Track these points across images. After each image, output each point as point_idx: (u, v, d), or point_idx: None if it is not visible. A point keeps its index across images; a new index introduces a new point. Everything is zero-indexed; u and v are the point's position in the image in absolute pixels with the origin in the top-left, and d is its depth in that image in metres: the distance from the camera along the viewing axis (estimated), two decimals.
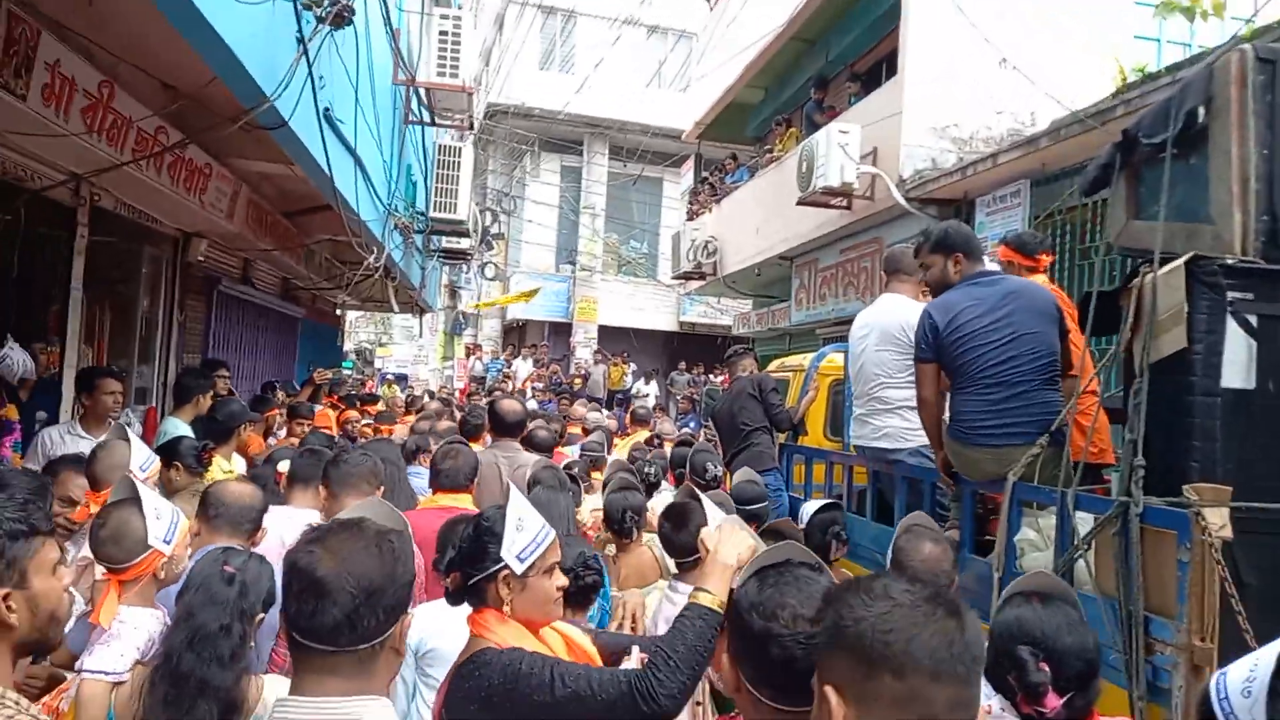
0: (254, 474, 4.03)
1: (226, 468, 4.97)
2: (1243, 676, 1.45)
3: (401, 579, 1.50)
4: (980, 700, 1.11)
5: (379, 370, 30.53)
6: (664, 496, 4.58)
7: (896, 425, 4.04)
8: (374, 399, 10.29)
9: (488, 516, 1.85)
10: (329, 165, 5.20)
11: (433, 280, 13.27)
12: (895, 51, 9.23)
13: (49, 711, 1.89)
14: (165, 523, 2.21)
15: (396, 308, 10.04)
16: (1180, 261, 2.53)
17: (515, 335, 24.19)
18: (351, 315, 30.26)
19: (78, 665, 2.00)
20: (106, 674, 1.97)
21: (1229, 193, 2.58)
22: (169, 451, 3.75)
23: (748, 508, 3.75)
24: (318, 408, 7.70)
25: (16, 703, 1.41)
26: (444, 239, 11.06)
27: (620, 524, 3.51)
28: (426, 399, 12.74)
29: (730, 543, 1.69)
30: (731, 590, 1.56)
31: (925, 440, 4.02)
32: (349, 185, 6.18)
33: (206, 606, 1.92)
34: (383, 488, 3.11)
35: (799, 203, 9.39)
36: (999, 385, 3.25)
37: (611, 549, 3.61)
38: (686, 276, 14.62)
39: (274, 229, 8.49)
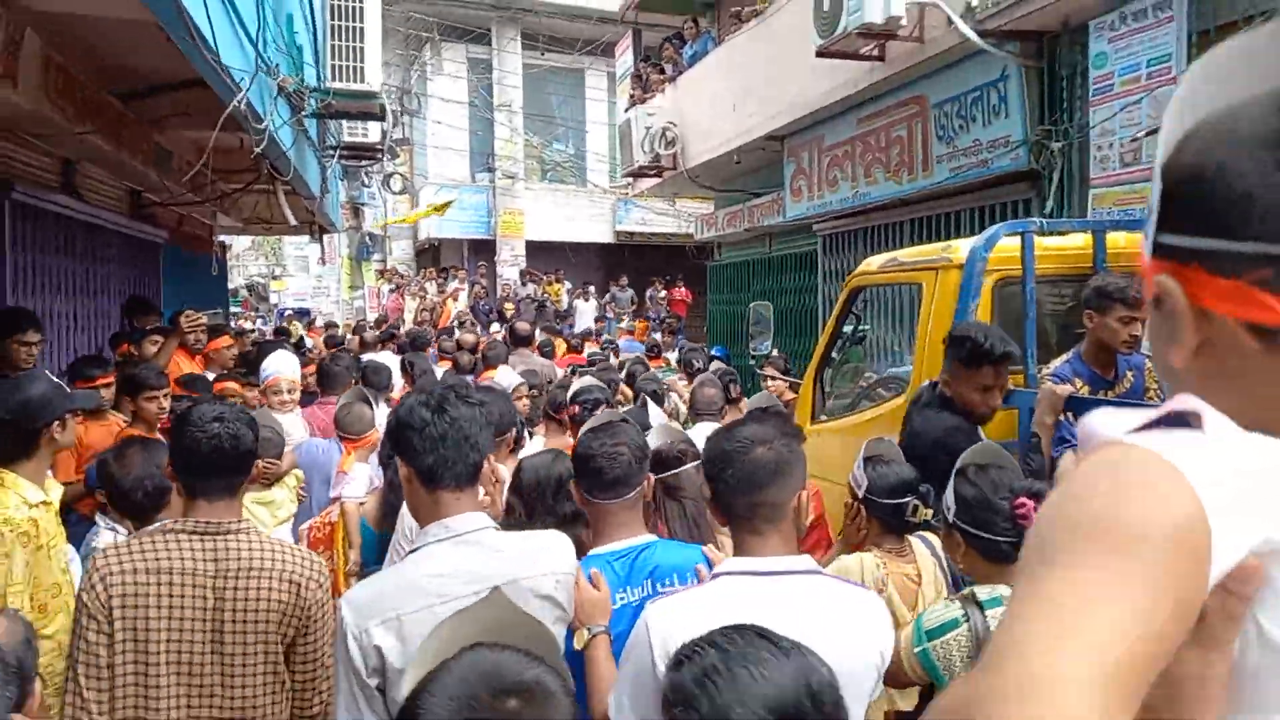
0: None
1: (34, 499, 2.68)
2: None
3: None
4: None
5: (275, 306, 27.28)
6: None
7: None
8: (221, 329, 6.34)
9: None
10: None
11: (334, 190, 10.62)
12: None
13: (323, 525, 3.21)
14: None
15: (292, 219, 7.51)
16: None
17: (429, 257, 21.44)
18: (239, 247, 26.65)
19: (332, 495, 3.50)
20: (355, 498, 3.55)
21: None
22: None
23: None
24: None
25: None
26: (345, 128, 8.47)
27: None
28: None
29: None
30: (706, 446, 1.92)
31: None
32: (199, 11, 3.74)
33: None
34: None
35: (819, 54, 7.21)
36: None
37: None
38: (640, 173, 12.31)
39: (101, 113, 5.86)
